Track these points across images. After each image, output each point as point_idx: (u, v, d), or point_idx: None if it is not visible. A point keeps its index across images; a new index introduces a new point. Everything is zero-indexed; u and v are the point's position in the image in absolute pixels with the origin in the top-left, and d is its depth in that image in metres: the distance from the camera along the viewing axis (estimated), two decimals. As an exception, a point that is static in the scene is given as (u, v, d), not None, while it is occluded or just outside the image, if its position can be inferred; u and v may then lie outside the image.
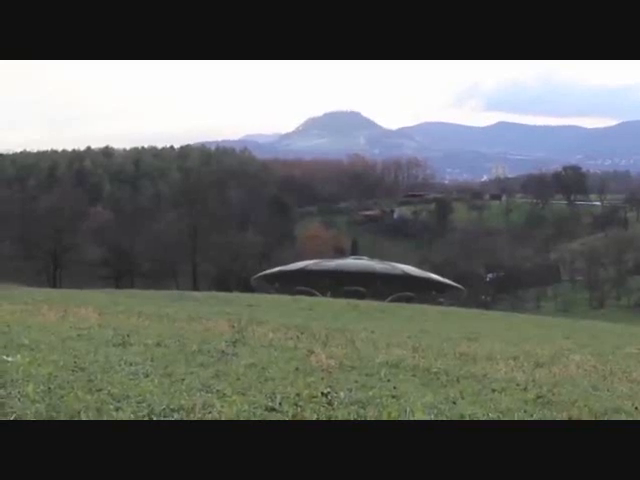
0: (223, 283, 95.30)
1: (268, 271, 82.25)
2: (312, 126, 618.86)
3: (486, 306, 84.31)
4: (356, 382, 8.88)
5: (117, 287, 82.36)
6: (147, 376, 8.35)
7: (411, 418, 6.94)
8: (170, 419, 6.18)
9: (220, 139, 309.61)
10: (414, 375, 10.19)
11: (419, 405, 7.52)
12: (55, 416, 6.17)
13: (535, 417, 7.46)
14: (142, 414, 6.44)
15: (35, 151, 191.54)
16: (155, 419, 6.34)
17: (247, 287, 75.45)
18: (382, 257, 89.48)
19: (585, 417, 7.62)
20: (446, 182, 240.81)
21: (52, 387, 7.26)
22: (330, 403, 7.40)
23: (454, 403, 7.95)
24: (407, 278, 75.54)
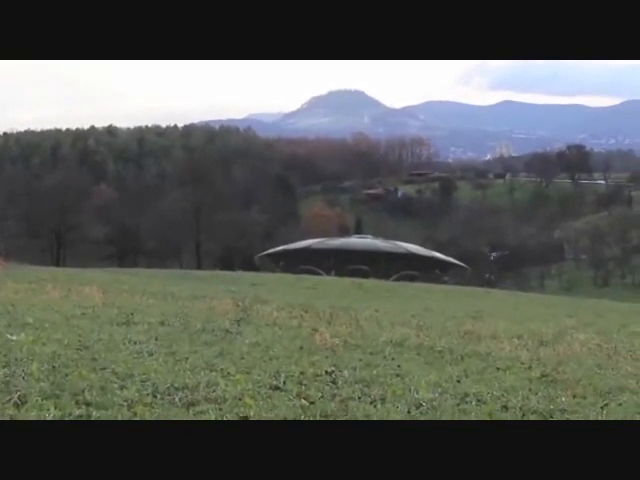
0: (227, 262, 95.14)
1: (272, 250, 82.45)
2: (316, 105, 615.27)
3: (490, 285, 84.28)
4: (360, 361, 8.88)
5: (121, 266, 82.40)
6: (151, 355, 8.36)
7: (415, 396, 6.94)
8: (172, 419, 6.07)
9: (224, 118, 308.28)
10: (418, 354, 10.18)
11: (423, 383, 7.52)
12: (59, 394, 6.18)
13: (540, 395, 7.44)
14: (146, 392, 6.44)
15: (39, 130, 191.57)
16: (159, 397, 6.35)
17: (251, 266, 75.39)
18: (386, 236, 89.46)
19: (589, 396, 7.61)
20: (450, 161, 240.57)
21: (56, 365, 7.27)
22: (334, 382, 7.41)
23: (458, 381, 7.95)
24: (411, 257, 75.83)
